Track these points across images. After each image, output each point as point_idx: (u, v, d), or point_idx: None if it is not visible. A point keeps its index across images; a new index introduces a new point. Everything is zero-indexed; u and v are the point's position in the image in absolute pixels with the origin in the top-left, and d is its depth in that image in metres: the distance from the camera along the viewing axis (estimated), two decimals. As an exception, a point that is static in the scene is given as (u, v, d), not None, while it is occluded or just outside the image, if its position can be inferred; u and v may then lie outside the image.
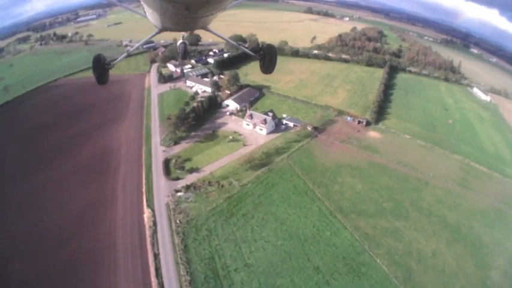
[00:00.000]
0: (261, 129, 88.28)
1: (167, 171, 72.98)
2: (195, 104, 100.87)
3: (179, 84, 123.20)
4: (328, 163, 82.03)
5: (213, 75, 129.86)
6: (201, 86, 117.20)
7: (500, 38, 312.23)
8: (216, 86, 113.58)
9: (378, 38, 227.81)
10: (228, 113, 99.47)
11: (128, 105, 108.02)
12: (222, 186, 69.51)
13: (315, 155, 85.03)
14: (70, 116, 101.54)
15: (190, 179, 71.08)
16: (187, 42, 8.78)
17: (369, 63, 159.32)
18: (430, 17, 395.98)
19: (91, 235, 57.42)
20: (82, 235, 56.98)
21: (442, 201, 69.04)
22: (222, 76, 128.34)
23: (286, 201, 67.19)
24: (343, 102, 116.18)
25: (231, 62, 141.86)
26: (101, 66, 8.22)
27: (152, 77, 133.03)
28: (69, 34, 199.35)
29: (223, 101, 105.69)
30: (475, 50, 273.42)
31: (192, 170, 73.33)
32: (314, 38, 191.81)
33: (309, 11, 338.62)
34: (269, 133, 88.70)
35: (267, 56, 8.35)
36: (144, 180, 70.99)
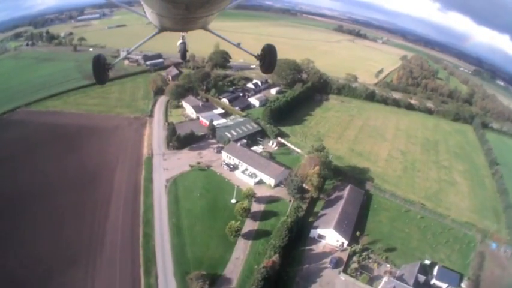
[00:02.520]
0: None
1: None
2: (264, 261, 44.34)
3: (206, 154, 66.62)
4: None
5: (267, 136, 74.72)
6: (253, 170, 60.14)
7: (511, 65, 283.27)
8: (300, 190, 53.63)
9: (434, 73, 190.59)
10: (329, 263, 43.95)
11: (105, 214, 50.00)
12: None
13: None
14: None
15: None
16: (186, 42, 7.57)
17: (456, 118, 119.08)
18: (441, 39, 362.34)
19: None
20: None
21: None
22: (281, 140, 73.75)
23: None
24: (471, 205, 69.92)
25: (289, 107, 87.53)
26: (100, 67, 7.88)
27: (156, 128, 76.16)
28: (62, 34, 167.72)
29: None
30: (501, 82, 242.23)
31: None
32: (380, 71, 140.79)
33: (340, 29, 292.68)
34: None
35: (267, 57, 8.11)
36: None
